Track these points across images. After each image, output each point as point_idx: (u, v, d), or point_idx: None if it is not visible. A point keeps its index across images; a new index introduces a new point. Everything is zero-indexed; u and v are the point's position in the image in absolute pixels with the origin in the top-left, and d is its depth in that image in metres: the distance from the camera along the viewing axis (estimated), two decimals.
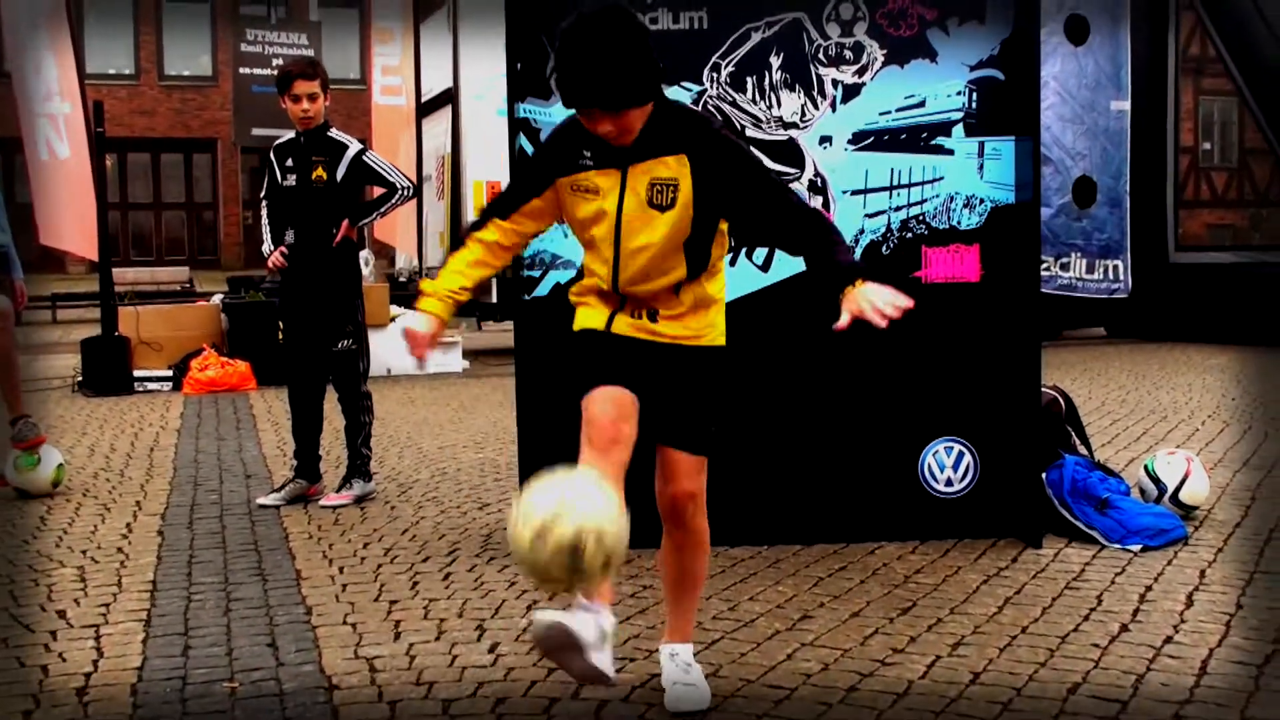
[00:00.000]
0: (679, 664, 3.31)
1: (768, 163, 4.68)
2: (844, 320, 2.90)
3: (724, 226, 3.20)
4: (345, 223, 5.85)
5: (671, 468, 3.20)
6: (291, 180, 5.88)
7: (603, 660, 2.87)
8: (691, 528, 3.25)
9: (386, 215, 6.10)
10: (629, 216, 3.10)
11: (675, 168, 3.06)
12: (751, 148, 3.24)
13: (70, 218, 10.42)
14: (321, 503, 5.83)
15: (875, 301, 2.86)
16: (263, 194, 6.14)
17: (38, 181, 10.41)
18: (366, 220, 5.97)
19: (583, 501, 2.72)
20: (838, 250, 3.02)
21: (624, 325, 3.18)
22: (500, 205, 3.28)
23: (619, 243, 3.12)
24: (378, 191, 6.05)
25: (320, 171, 5.83)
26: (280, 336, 5.99)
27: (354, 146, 5.93)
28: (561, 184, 3.18)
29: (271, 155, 5.99)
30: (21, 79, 10.19)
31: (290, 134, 5.95)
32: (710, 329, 3.21)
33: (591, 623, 2.87)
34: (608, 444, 3.04)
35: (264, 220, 6.09)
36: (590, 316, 3.24)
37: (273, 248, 5.95)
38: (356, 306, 5.95)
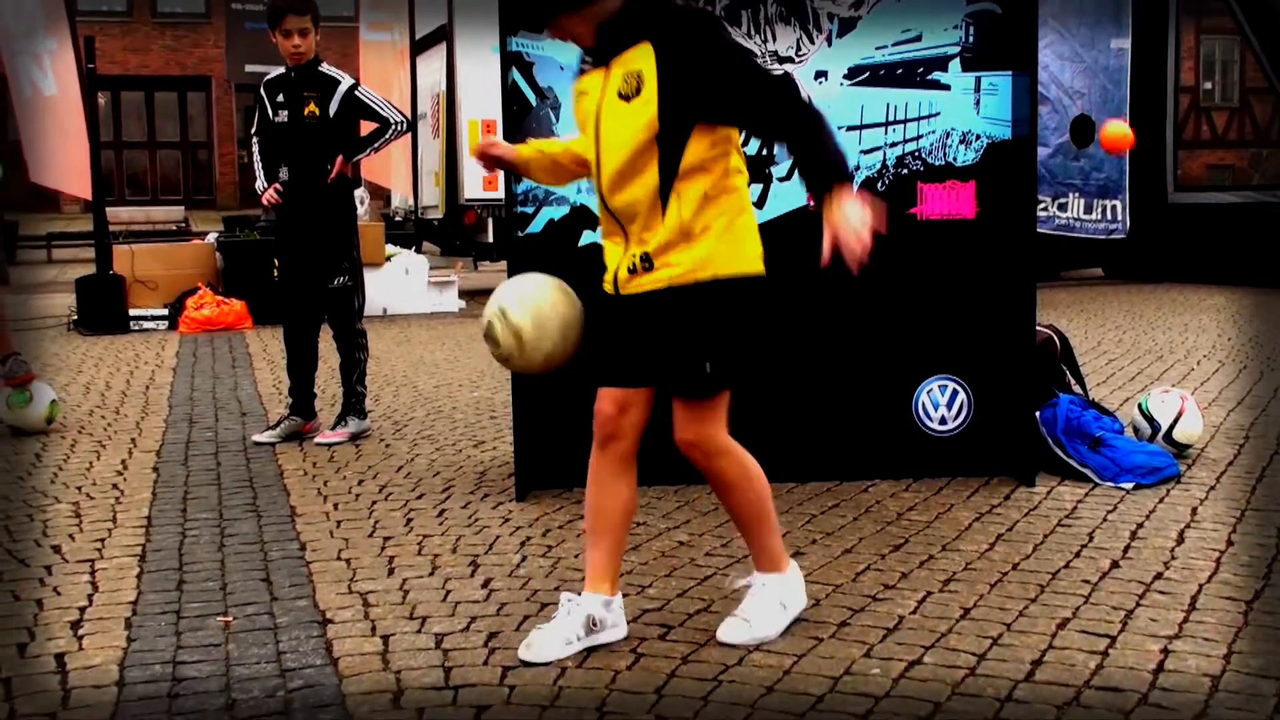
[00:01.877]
0: (754, 596, 3.32)
1: None
2: (825, 252, 2.83)
3: (709, 141, 3.03)
4: (339, 158, 5.80)
5: (674, 414, 3.18)
6: (283, 116, 5.83)
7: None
8: (708, 469, 3.22)
9: (380, 150, 6.05)
10: (605, 112, 3.07)
11: (640, 56, 3.00)
12: (735, 39, 3.05)
13: (61, 156, 10.35)
14: (316, 440, 5.83)
15: (850, 226, 2.78)
16: (253, 130, 6.09)
17: (25, 119, 10.32)
18: (360, 155, 5.92)
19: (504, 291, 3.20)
20: (823, 146, 2.92)
21: (624, 276, 3.13)
22: None
23: (599, 142, 3.09)
24: (370, 127, 6.00)
25: (313, 107, 5.78)
26: (275, 274, 5.96)
27: (346, 81, 5.87)
28: (574, 91, 3.23)
29: (262, 91, 5.93)
30: (1, 15, 10.05)
31: (280, 69, 5.89)
32: (709, 262, 3.03)
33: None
34: (605, 439, 3.20)
35: (255, 157, 6.05)
36: (608, 268, 3.21)
37: (265, 185, 5.91)
38: (352, 243, 5.92)
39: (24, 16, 10.03)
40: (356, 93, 5.85)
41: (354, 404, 5.94)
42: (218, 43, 28.76)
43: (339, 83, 5.84)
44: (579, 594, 3.26)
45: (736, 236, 3.07)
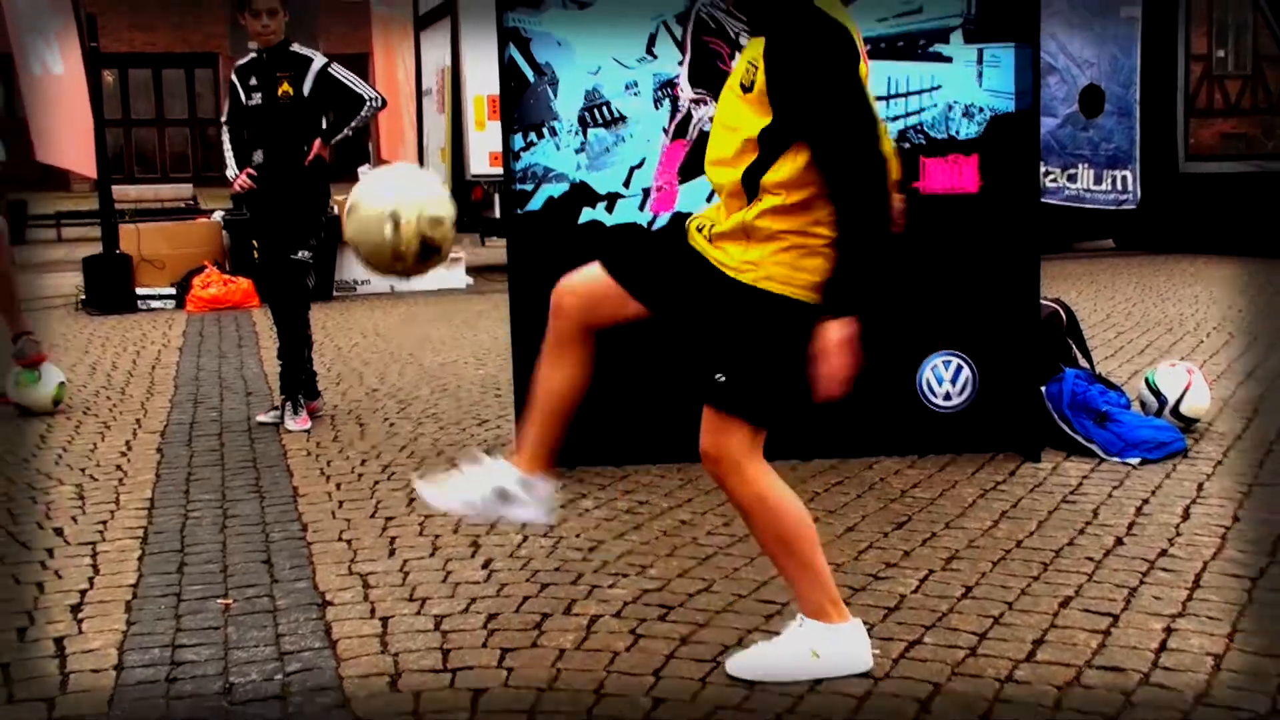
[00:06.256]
0: (785, 633, 3.00)
1: None
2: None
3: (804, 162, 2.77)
4: (318, 142, 5.77)
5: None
6: (257, 99, 5.80)
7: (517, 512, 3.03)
8: (721, 487, 2.95)
9: (357, 129, 5.96)
10: (725, 90, 2.89)
11: (758, 49, 2.79)
12: (840, 54, 2.74)
13: (68, 135, 10.32)
14: (288, 427, 5.68)
15: (826, 365, 2.76)
16: (224, 118, 6.08)
17: (32, 98, 10.30)
18: (338, 137, 5.85)
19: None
20: (856, 257, 2.75)
21: (695, 228, 2.93)
22: None
23: (715, 120, 2.94)
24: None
25: (286, 87, 5.75)
26: (255, 255, 5.95)
27: (319, 60, 5.84)
28: None
29: (234, 77, 5.92)
30: None
31: (252, 54, 5.86)
32: (751, 267, 2.79)
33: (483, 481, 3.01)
34: (554, 309, 3.04)
35: (225, 144, 6.01)
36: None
37: (237, 171, 5.88)
38: (321, 224, 5.91)
39: None
40: (330, 70, 5.82)
41: (305, 381, 5.87)
42: (223, 19, 28.69)
43: (311, 61, 5.81)
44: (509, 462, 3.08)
45: (803, 260, 2.79)
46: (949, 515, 4.15)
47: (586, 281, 2.99)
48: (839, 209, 2.74)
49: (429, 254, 3.08)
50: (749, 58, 2.82)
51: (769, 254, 2.79)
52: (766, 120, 2.77)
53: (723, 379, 2.84)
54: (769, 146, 2.77)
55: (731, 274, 2.82)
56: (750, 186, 2.81)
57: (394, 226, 3.03)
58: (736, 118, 2.83)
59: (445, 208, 3.13)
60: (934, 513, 4.18)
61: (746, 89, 2.80)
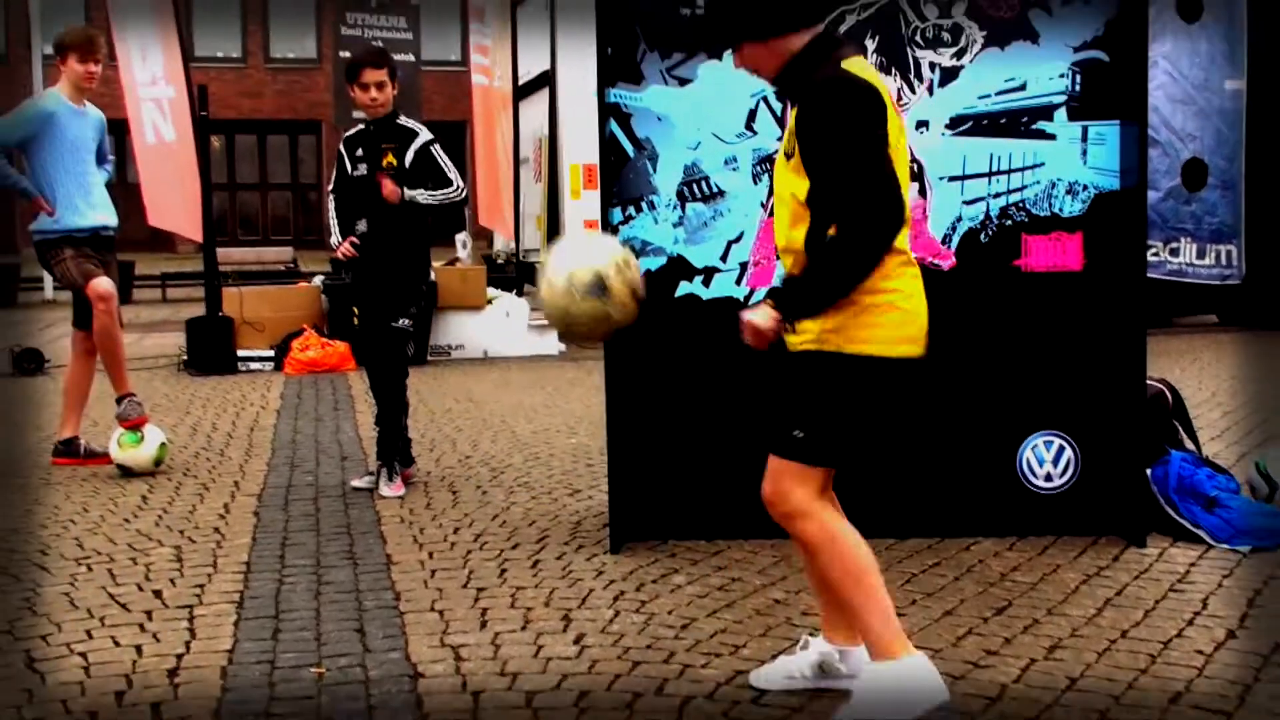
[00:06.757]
0: (856, 690, 3.05)
1: None
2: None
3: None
4: (391, 182, 5.77)
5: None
6: (362, 169, 5.92)
7: None
8: (792, 533, 3.08)
9: (436, 208, 5.92)
10: (777, 162, 3.10)
11: (795, 116, 2.98)
12: (861, 114, 2.88)
13: (177, 199, 10.61)
14: (382, 493, 5.74)
15: (751, 320, 2.94)
16: (330, 187, 6.23)
17: (145, 163, 10.62)
18: (412, 194, 5.83)
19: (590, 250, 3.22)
20: (811, 275, 2.96)
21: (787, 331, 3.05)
22: None
23: (771, 189, 3.22)
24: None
25: (390, 158, 5.87)
26: (355, 321, 6.10)
27: (423, 136, 5.94)
28: None
29: (342, 148, 6.06)
30: (128, 64, 10.39)
31: (360, 125, 5.99)
32: (833, 334, 2.94)
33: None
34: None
35: (331, 212, 6.18)
36: None
37: (340, 239, 6.00)
38: (421, 292, 6.02)
39: (148, 66, 10.36)
40: (431, 149, 5.93)
41: (401, 447, 5.94)
42: (329, 88, 29.43)
43: (416, 134, 5.93)
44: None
45: (878, 317, 2.93)
46: (1051, 601, 4.04)
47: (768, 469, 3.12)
48: (834, 240, 2.88)
49: (601, 290, 3.13)
50: (790, 126, 2.99)
51: (847, 318, 2.92)
52: (808, 184, 2.93)
53: (801, 435, 2.99)
54: (818, 210, 2.93)
55: (816, 348, 2.96)
56: (814, 252, 2.95)
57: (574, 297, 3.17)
58: (786, 185, 3.00)
59: (580, 261, 3.21)
60: (1035, 598, 4.07)
61: (789, 156, 2.97)
